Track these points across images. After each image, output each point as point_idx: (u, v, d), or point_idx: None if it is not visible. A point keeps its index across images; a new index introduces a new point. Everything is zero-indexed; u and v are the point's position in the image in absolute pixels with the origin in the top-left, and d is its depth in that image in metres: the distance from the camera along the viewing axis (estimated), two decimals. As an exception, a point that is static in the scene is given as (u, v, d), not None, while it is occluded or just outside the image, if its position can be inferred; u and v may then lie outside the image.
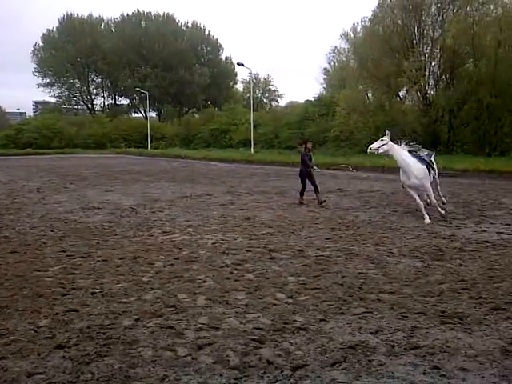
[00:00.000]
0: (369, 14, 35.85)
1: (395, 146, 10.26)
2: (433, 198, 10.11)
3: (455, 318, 4.53)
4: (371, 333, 4.22)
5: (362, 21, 37.66)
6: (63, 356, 3.79)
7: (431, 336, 4.16)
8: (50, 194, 14.44)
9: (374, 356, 3.78)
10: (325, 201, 12.30)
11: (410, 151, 10.22)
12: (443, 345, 3.98)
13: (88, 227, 9.26)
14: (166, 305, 4.93)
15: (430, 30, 32.34)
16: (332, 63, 61.08)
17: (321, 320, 4.52)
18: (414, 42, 32.42)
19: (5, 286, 5.57)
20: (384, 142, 10.25)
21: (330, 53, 60.53)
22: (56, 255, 7.05)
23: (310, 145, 13.48)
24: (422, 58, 31.83)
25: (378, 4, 34.00)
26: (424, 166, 9.93)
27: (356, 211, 11.20)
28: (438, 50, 32.25)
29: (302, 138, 29.12)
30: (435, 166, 10.71)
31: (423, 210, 9.81)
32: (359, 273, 6.07)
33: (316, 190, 12.59)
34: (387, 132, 10.53)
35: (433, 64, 32.97)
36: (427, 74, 32.65)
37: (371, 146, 10.49)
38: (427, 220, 9.50)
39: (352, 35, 52.78)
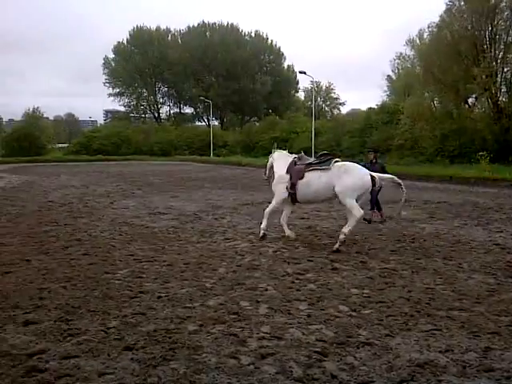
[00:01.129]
0: (436, 20, 34.53)
1: (275, 154, 9.56)
2: (270, 207, 9.06)
3: (533, 341, 4.25)
4: (440, 351, 4.05)
5: (428, 26, 36.46)
6: (131, 358, 3.91)
7: (507, 358, 3.92)
8: (118, 199, 15.06)
9: (443, 376, 3.62)
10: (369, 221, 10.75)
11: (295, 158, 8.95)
12: (520, 368, 3.74)
13: (154, 232, 9.57)
14: (228, 312, 4.99)
15: (503, 35, 30.80)
16: (396, 70, 59.78)
17: (386, 335, 4.39)
18: (485, 46, 30.99)
19: (78, 286, 5.86)
20: (269, 158, 9.59)
21: (394, 59, 59.32)
22: (124, 258, 7.33)
23: (371, 155, 11.56)
24: (494, 63, 30.36)
25: (446, 9, 32.88)
26: (283, 174, 8.74)
27: (421, 223, 10.82)
28: (512, 56, 30.68)
29: (372, 145, 28.03)
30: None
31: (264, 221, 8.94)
32: (427, 288, 5.84)
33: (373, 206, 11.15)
34: (273, 146, 9.78)
35: (505, 70, 31.37)
36: (499, 80, 31.10)
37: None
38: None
39: (418, 41, 51.43)
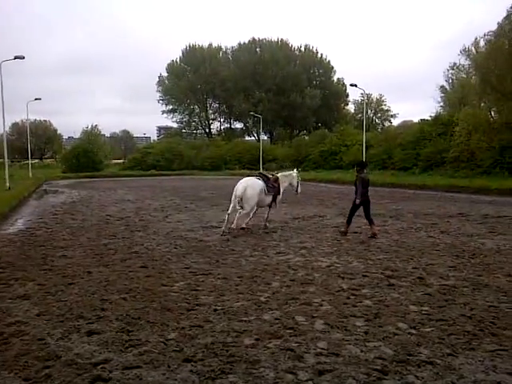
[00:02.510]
0: (493, 28, 33.38)
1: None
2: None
3: None
4: (508, 373, 3.87)
5: (485, 35, 35.30)
6: (191, 370, 3.99)
7: None
8: (172, 213, 15.42)
9: (512, 400, 3.45)
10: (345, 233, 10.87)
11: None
12: None
13: (208, 245, 9.72)
14: (284, 326, 4.98)
15: None
16: (450, 80, 58.07)
17: (448, 354, 4.24)
18: (546, 54, 29.64)
19: (137, 298, 6.04)
20: None
21: (448, 70, 57.59)
22: (180, 271, 7.49)
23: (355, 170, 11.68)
24: (555, 71, 28.96)
25: (505, 16, 31.74)
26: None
27: (482, 238, 10.40)
28: None
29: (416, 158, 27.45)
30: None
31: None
32: (490, 306, 5.60)
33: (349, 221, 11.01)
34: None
35: None
36: (560, 88, 29.58)
37: None
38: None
39: (474, 50, 49.87)
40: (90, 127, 57.70)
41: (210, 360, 4.16)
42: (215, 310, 5.53)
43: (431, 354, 4.24)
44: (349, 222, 11.05)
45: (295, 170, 13.56)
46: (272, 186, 11.92)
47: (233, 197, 11.25)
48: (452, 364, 4.05)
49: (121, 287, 6.54)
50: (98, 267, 7.81)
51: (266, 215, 12.36)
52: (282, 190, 12.48)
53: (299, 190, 13.35)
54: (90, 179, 42.32)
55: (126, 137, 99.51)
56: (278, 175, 12.69)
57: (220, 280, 6.93)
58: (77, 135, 66.20)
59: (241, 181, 11.54)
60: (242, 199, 11.04)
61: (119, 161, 72.62)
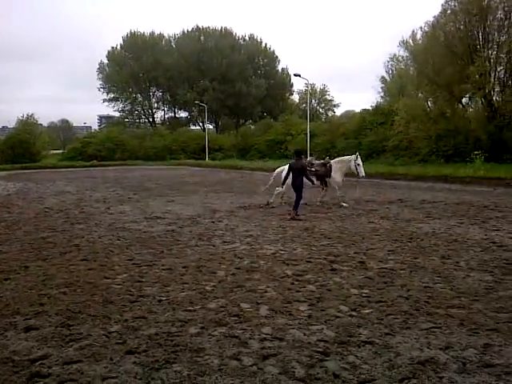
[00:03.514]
0: (429, 21, 34.74)
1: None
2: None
3: (532, 337, 4.29)
4: (441, 349, 4.08)
5: (422, 27, 36.70)
6: (134, 361, 3.93)
7: (506, 354, 3.96)
8: (115, 205, 15.05)
9: (444, 373, 3.66)
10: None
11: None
12: (519, 364, 3.78)
13: (152, 236, 9.57)
14: (229, 314, 5.00)
15: (496, 35, 31.04)
16: (390, 71, 60.10)
17: (387, 334, 4.42)
18: (479, 46, 31.22)
19: (78, 292, 5.86)
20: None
21: (387, 61, 59.69)
22: (123, 263, 7.34)
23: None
24: (487, 63, 30.56)
25: (441, 10, 33.10)
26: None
27: (418, 222, 10.87)
28: (505, 55, 30.88)
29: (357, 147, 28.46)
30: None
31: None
32: (425, 286, 5.88)
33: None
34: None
35: (498, 69, 31.59)
36: (492, 79, 31.31)
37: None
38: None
39: (411, 42, 51.71)
40: (25, 116, 55.02)
41: (154, 351, 4.11)
42: (159, 300, 5.47)
43: (370, 334, 4.41)
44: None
45: (353, 156, 14.70)
46: (314, 170, 14.03)
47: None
48: (390, 343, 4.23)
49: (60, 281, 6.32)
50: (36, 261, 7.51)
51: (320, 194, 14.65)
52: (336, 175, 14.38)
53: (361, 174, 14.24)
54: (27, 171, 40.48)
55: (64, 126, 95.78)
56: (331, 161, 14.64)
57: (164, 271, 6.85)
58: (12, 125, 62.89)
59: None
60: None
61: (58, 151, 69.74)
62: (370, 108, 46.44)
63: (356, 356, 3.98)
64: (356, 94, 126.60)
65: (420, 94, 36.69)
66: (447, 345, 4.16)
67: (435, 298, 5.42)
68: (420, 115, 33.87)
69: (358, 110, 56.33)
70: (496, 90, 32.06)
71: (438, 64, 31.47)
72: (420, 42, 40.68)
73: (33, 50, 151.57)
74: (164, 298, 5.54)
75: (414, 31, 49.37)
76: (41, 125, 65.62)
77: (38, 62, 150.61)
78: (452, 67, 30.81)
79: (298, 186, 12.11)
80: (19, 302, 5.45)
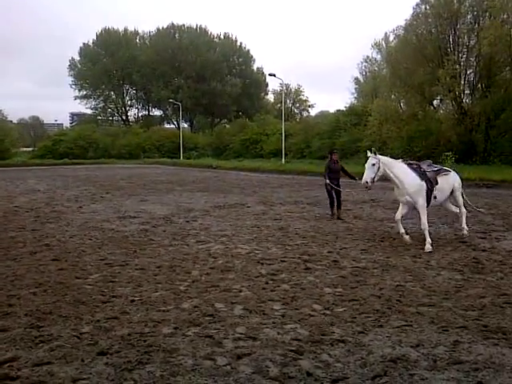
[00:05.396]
0: (401, 24, 35.41)
1: (385, 159, 8.88)
2: (424, 220, 8.36)
3: (499, 333, 4.41)
4: (412, 346, 4.16)
5: (394, 30, 37.25)
6: (106, 362, 3.87)
7: (474, 351, 4.06)
8: (87, 204, 14.80)
9: (415, 370, 3.72)
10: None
11: (410, 164, 9.01)
12: (487, 360, 3.88)
13: (125, 236, 9.45)
14: (203, 314, 4.98)
15: (466, 38, 31.75)
16: (364, 73, 60.85)
17: (359, 332, 4.47)
18: (449, 50, 31.88)
19: (48, 292, 5.74)
20: (375, 163, 8.61)
21: (361, 62, 60.41)
22: (95, 263, 7.22)
23: (335, 156, 12.29)
24: (457, 66, 31.23)
25: (412, 13, 33.67)
26: (421, 182, 8.46)
27: (391, 222, 11.01)
28: (474, 58, 31.62)
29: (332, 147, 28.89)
30: (454, 185, 9.24)
31: (427, 233, 8.27)
32: (397, 285, 5.98)
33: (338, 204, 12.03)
34: (372, 150, 8.94)
35: (468, 72, 32.33)
36: (462, 82, 32.02)
37: (364, 178, 8.67)
38: (428, 246, 7.98)
39: (384, 45, 52.51)
40: (-7, 112, 53.56)
41: (127, 351, 4.06)
42: (132, 301, 5.40)
43: (343, 333, 4.45)
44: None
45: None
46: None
47: None
48: (362, 341, 4.28)
49: (30, 282, 6.18)
50: (5, 261, 7.32)
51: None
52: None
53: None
54: (-4, 168, 39.41)
55: (35, 123, 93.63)
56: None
57: (137, 271, 6.77)
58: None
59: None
60: None
61: (28, 149, 68.21)
62: (344, 109, 46.97)
63: (329, 354, 4.01)
64: (330, 94, 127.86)
65: (393, 96, 37.25)
66: (418, 342, 4.23)
67: (407, 297, 5.51)
68: (393, 116, 34.38)
69: (332, 110, 57.01)
70: (466, 92, 32.83)
71: (410, 66, 32.01)
72: (393, 44, 41.34)
73: (3, 45, 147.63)
74: (137, 298, 5.48)
75: (386, 33, 50.12)
76: (10, 121, 64.04)
77: (9, 58, 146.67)
78: (423, 69, 31.38)
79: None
80: (-13, 303, 5.30)
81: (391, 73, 35.68)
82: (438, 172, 8.94)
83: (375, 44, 55.33)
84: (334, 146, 39.24)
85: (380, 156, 8.83)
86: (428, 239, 8.11)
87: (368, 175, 8.56)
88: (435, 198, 8.69)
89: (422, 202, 8.43)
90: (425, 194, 8.45)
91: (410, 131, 32.84)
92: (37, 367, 3.80)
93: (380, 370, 3.72)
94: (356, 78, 62.05)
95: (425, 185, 8.46)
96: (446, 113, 35.20)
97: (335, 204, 12.01)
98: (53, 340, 4.31)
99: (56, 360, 3.92)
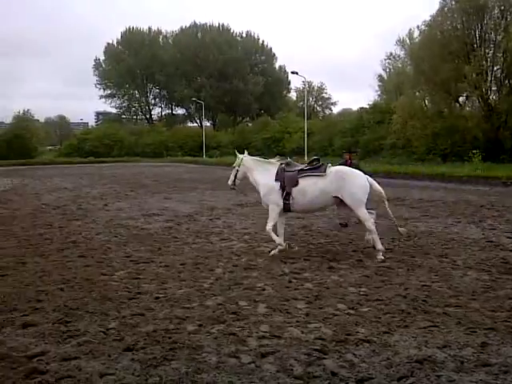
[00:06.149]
0: (426, 19, 34.76)
1: (248, 161, 8.28)
2: (269, 222, 7.72)
3: (529, 336, 4.30)
4: (438, 347, 4.09)
5: (418, 26, 36.78)
6: (132, 358, 3.92)
7: (503, 353, 3.97)
8: (112, 201, 15.02)
9: (442, 372, 3.66)
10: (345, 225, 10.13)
11: (288, 164, 7.97)
12: (517, 363, 3.79)
13: (149, 233, 9.56)
14: (227, 311, 5.00)
15: (493, 34, 31.10)
16: (387, 70, 60.07)
17: (384, 332, 4.42)
18: (475, 45, 31.29)
19: (75, 288, 5.85)
20: (235, 165, 8.41)
21: (385, 59, 59.57)
22: (121, 260, 7.33)
23: (346, 156, 11.26)
24: (484, 62, 30.63)
25: (438, 8, 33.12)
26: (273, 183, 7.71)
27: (416, 221, 10.89)
28: (501, 54, 30.96)
29: (352, 145, 28.55)
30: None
31: (272, 235, 7.75)
32: (423, 285, 5.89)
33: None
34: (245, 152, 8.71)
35: (495, 68, 31.66)
36: (489, 78, 31.38)
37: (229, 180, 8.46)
38: (276, 250, 7.61)
39: (408, 41, 51.76)
40: (21, 112, 54.80)
41: (152, 348, 4.11)
42: (157, 297, 5.46)
43: (368, 333, 4.41)
44: None
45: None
46: None
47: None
48: (388, 341, 4.23)
49: (58, 278, 6.30)
50: (33, 258, 7.48)
51: None
52: None
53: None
54: (24, 167, 40.32)
55: (61, 122, 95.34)
56: None
57: (162, 268, 6.85)
58: (8, 121, 62.62)
59: (355, 172, 8.23)
60: None
61: (55, 147, 69.58)
62: (368, 106, 46.52)
63: (354, 354, 3.98)
64: (353, 92, 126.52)
65: (417, 93, 36.74)
66: (445, 343, 4.17)
67: (433, 297, 5.42)
68: (417, 114, 33.92)
69: (355, 108, 56.46)
70: (493, 89, 32.16)
71: (434, 63, 31.49)
72: (417, 40, 40.75)
73: (31, 45, 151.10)
74: (162, 295, 5.54)
75: (410, 30, 49.48)
76: (37, 120, 65.40)
77: (37, 58, 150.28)
78: (449, 66, 30.84)
79: None
80: (16, 299, 5.43)
81: (415, 69, 35.19)
82: (304, 172, 7.69)
83: (399, 40, 54.57)
84: (352, 145, 38.99)
85: (245, 157, 8.40)
86: (276, 240, 7.66)
87: (231, 177, 8.40)
88: (293, 199, 7.58)
89: (271, 204, 7.74)
90: (277, 195, 7.66)
91: (435, 129, 32.36)
92: (65, 362, 3.87)
93: (406, 371, 3.67)
94: (379, 75, 61.30)
95: (277, 186, 7.67)
96: (473, 110, 34.58)
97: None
98: (80, 335, 4.39)
99: (83, 355, 3.99)
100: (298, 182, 7.57)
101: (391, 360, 3.86)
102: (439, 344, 4.16)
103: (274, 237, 7.70)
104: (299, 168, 7.82)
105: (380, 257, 7.28)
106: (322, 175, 7.54)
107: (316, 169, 7.69)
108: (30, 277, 6.36)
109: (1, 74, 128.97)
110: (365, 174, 8.00)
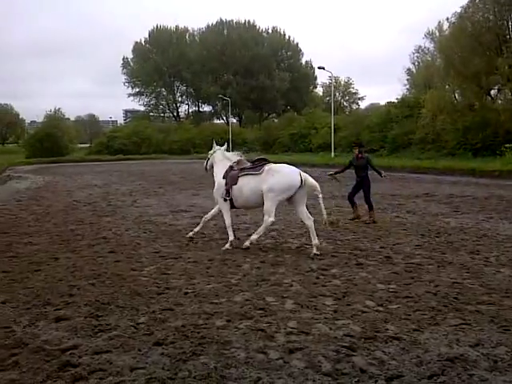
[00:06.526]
0: (457, 11, 33.90)
1: (217, 155, 8.86)
2: (224, 218, 8.27)
3: None
4: (470, 346, 4.01)
5: (448, 18, 35.88)
6: (162, 353, 3.97)
7: (539, 353, 3.86)
8: (141, 198, 15.24)
9: (474, 371, 3.59)
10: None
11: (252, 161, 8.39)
12: (553, 363, 3.68)
13: (177, 229, 9.66)
14: (255, 307, 5.01)
15: (526, 24, 30.18)
16: (416, 63, 58.96)
17: (414, 330, 4.36)
18: (508, 37, 30.40)
19: (106, 283, 5.96)
20: (209, 157, 9.15)
21: (413, 53, 58.53)
22: (150, 256, 7.43)
23: (355, 150, 11.24)
24: (517, 53, 29.73)
25: (469, 0, 32.27)
26: (221, 181, 8.22)
27: (446, 217, 10.69)
28: (535, 45, 29.99)
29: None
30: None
31: (229, 231, 8.13)
32: (454, 282, 5.78)
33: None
34: (225, 146, 9.14)
35: (529, 60, 30.67)
36: (522, 70, 30.43)
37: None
38: (227, 246, 7.90)
39: (437, 33, 50.67)
40: (53, 111, 56.06)
41: (181, 342, 4.15)
42: (186, 293, 5.51)
43: (398, 330, 4.36)
44: (354, 203, 10.78)
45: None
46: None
47: (287, 192, 8.09)
48: (418, 339, 4.17)
49: (89, 273, 6.44)
50: (65, 253, 7.66)
51: None
52: None
53: None
54: (55, 164, 41.23)
55: (91, 121, 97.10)
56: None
57: (190, 263, 6.91)
58: (40, 119, 64.23)
59: (285, 167, 8.38)
60: None
61: (85, 145, 70.98)
62: (396, 101, 45.73)
63: (383, 352, 3.94)
64: (381, 86, 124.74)
65: (447, 86, 35.96)
66: (477, 342, 4.08)
67: (464, 294, 5.32)
68: (447, 107, 33.20)
69: (383, 102, 55.56)
70: (526, 81, 31.18)
71: (465, 55, 30.77)
72: (447, 33, 39.84)
73: (62, 46, 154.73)
74: (190, 291, 5.59)
75: (440, 22, 48.40)
76: (68, 119, 66.78)
77: (68, 58, 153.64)
78: (480, 58, 30.08)
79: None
80: (50, 293, 5.56)
81: (445, 62, 34.42)
82: (244, 170, 8.01)
83: (428, 33, 53.51)
84: (385, 139, 38.42)
85: (218, 150, 8.93)
86: (231, 237, 7.97)
87: (204, 162, 9.40)
88: (233, 197, 8.01)
89: (219, 201, 8.28)
90: (222, 192, 8.15)
91: (465, 123, 31.62)
92: (96, 355, 3.95)
93: (437, 370, 3.61)
94: (408, 69, 60.27)
95: (224, 183, 8.14)
96: (505, 103, 33.61)
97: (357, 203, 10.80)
98: (111, 329, 4.47)
99: (114, 349, 4.06)
100: (237, 180, 7.96)
101: (421, 358, 3.81)
102: (471, 342, 4.08)
103: (230, 232, 8.08)
104: (242, 167, 8.15)
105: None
106: (257, 174, 7.84)
107: (254, 168, 8.01)
108: (63, 272, 6.52)
109: (33, 74, 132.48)
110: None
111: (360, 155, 10.97)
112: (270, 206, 7.64)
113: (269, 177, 7.65)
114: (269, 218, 7.67)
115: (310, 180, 7.75)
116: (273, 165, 8.01)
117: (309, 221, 7.71)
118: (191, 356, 3.90)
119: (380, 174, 10.76)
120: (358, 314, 4.78)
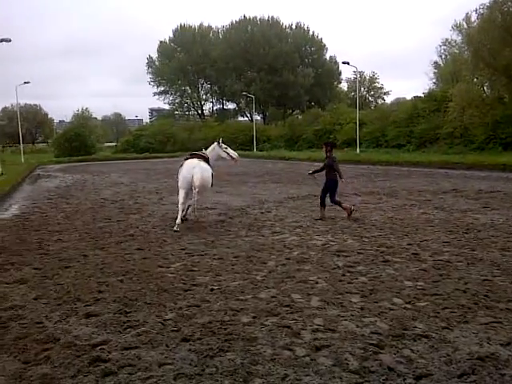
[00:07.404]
0: (485, 2, 33.00)
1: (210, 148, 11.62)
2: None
3: None
4: (501, 345, 3.93)
5: (476, 9, 34.96)
6: (189, 349, 4.02)
7: None
8: (167, 195, 15.37)
9: (506, 370, 3.51)
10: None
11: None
12: None
13: (203, 227, 9.73)
14: (281, 304, 5.02)
15: (559, 14, 29.20)
16: (443, 56, 57.76)
17: (443, 328, 4.29)
18: (540, 27, 29.47)
19: (133, 280, 6.05)
20: (214, 147, 11.68)
21: (440, 45, 57.25)
22: (176, 252, 7.51)
23: (324, 148, 10.97)
24: (549, 44, 28.83)
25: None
26: None
27: (475, 213, 10.46)
28: None
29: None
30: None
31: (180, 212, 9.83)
32: (484, 280, 5.66)
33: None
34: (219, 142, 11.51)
35: (562, 51, 29.69)
36: (555, 62, 29.48)
37: None
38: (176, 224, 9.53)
39: (465, 25, 49.49)
40: (80, 110, 57.11)
41: (208, 339, 4.19)
42: (212, 289, 5.56)
43: (426, 328, 4.30)
44: (323, 204, 10.55)
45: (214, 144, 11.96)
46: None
47: (184, 186, 10.14)
48: (447, 337, 4.11)
49: (117, 269, 6.55)
50: (94, 250, 7.81)
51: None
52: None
53: (234, 156, 11.85)
54: (83, 163, 41.98)
55: (118, 120, 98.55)
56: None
57: (216, 260, 6.96)
58: (68, 119, 65.59)
59: (188, 166, 10.35)
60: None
61: (112, 144, 72.08)
62: (422, 95, 44.93)
63: (411, 350, 3.89)
64: (407, 80, 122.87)
65: (475, 79, 35.10)
66: (509, 340, 3.99)
67: (495, 292, 5.21)
68: (476, 101, 32.39)
69: (409, 97, 54.78)
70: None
71: (494, 47, 29.95)
72: (475, 24, 38.86)
73: (89, 46, 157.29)
74: (216, 287, 5.63)
75: (467, 14, 47.17)
76: (95, 118, 67.96)
77: (95, 58, 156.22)
78: (510, 50, 29.24)
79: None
80: (79, 290, 5.69)
81: (473, 54, 33.55)
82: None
83: (455, 25, 52.26)
84: (412, 135, 37.78)
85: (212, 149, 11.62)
86: (178, 220, 9.59)
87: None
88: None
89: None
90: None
91: (495, 116, 30.82)
92: (125, 351, 4.02)
93: (467, 368, 3.55)
94: (435, 62, 59.00)
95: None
96: (537, 96, 32.62)
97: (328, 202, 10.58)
98: (139, 325, 4.54)
99: (143, 345, 4.13)
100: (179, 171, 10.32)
101: (451, 356, 3.75)
102: (502, 341, 3.99)
103: (179, 215, 9.70)
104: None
105: (175, 228, 9.38)
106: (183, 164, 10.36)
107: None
108: (92, 269, 6.65)
109: (62, 75, 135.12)
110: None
111: (328, 155, 10.70)
112: (179, 193, 10.05)
113: (185, 167, 10.21)
114: (179, 203, 9.90)
115: (195, 177, 9.52)
116: (190, 160, 10.44)
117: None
118: (218, 352, 3.93)
119: (341, 177, 10.46)
120: (385, 312, 4.73)
